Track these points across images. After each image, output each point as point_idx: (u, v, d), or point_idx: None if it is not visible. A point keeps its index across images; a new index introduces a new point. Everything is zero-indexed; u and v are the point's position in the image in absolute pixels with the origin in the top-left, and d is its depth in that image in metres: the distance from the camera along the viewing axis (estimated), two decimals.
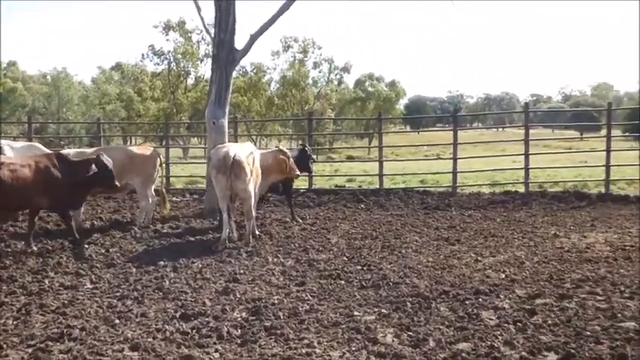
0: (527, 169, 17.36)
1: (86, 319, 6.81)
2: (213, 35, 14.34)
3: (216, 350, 5.96)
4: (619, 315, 6.72)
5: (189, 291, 7.92)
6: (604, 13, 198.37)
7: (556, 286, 7.97)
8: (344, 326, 6.55)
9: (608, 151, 17.18)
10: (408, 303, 7.28)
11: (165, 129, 23.76)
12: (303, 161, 13.27)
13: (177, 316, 6.92)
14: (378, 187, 17.90)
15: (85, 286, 8.21)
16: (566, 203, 15.33)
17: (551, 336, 6.16)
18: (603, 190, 16.79)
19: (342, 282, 8.35)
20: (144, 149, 12.98)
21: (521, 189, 17.18)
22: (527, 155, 17.43)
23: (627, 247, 10.28)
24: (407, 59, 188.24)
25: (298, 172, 12.11)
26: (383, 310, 7.08)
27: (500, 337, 6.13)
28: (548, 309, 7.02)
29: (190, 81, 53.13)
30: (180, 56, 50.44)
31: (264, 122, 46.95)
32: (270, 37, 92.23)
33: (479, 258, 9.72)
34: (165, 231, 11.93)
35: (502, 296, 7.57)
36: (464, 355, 5.66)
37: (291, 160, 12.02)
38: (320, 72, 55.65)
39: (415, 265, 9.24)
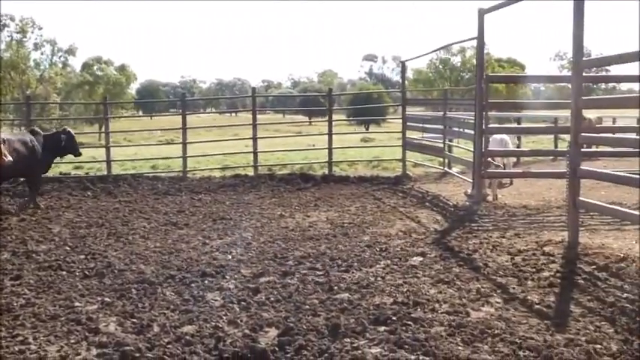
0: (256, 152, 17.84)
1: None
2: None
3: None
4: (335, 287, 7.15)
5: None
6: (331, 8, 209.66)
7: (280, 264, 8.28)
8: (63, 318, 6.26)
9: (331, 134, 18.19)
10: (133, 290, 7.15)
11: None
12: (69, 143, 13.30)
13: None
14: (106, 173, 17.34)
15: None
16: (292, 185, 15.97)
17: (273, 312, 6.38)
18: (327, 172, 17.77)
19: (64, 273, 7.97)
20: None
21: (251, 172, 17.63)
22: (255, 139, 17.91)
23: (345, 224, 10.98)
24: (138, 44, 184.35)
25: (10, 158, 11.29)
26: (106, 299, 6.87)
27: (224, 317, 6.23)
28: (271, 286, 7.27)
29: None
30: None
31: None
32: None
33: (207, 241, 9.80)
34: None
35: (228, 277, 7.71)
36: (188, 337, 5.67)
37: (2, 145, 11.18)
38: (42, 54, 52.65)
39: (142, 251, 9.10)
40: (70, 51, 54.19)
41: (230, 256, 8.75)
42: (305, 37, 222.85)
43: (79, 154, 14.11)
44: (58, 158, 14.01)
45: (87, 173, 18.25)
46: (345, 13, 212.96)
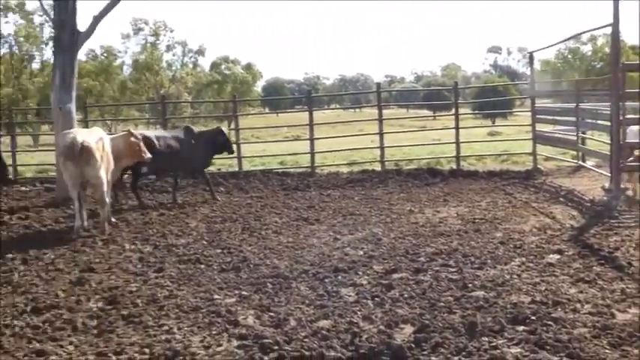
0: (382, 147, 17.82)
1: None
2: (53, 16, 13.74)
3: (71, 343, 5.74)
4: (469, 285, 7.03)
5: (41, 283, 7.62)
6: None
7: (412, 261, 8.23)
8: (204, 310, 6.49)
9: (457, 128, 17.91)
10: (268, 284, 7.31)
11: (10, 116, 22.55)
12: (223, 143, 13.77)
13: (28, 309, 6.62)
14: (237, 169, 17.83)
15: None
16: (420, 180, 15.85)
17: (408, 309, 6.35)
18: (455, 167, 17.52)
19: (202, 266, 8.27)
20: None
21: (378, 167, 17.63)
22: (381, 134, 17.90)
23: (477, 220, 10.77)
24: (263, 42, 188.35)
25: (149, 155, 11.80)
26: (244, 293, 7.07)
27: (359, 313, 6.27)
28: (404, 283, 7.24)
29: (36, 65, 50.61)
30: (22, 39, 47.85)
31: (117, 107, 45.48)
32: (119, 19, 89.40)
33: (338, 236, 9.88)
34: (13, 222, 11.33)
35: (360, 272, 7.74)
36: (324, 332, 5.74)
37: (142, 142, 11.71)
38: (174, 55, 54.74)
39: (275, 245, 9.30)
40: (200, 51, 56.15)
41: (361, 252, 8.78)
42: (427, 31, 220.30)
43: (233, 152, 14.77)
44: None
45: (219, 170, 18.78)
46: (467, 3, 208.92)
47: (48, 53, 48.91)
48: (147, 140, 12.45)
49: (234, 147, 16.53)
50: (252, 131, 33.83)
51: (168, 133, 13.90)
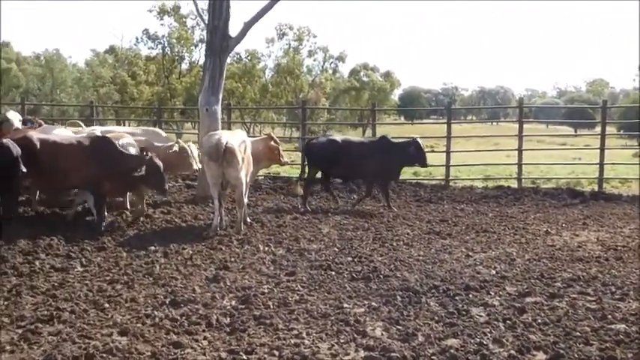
0: (520, 164, 17.36)
1: (76, 302, 6.84)
2: (206, 21, 14.30)
3: (205, 338, 5.97)
4: (609, 316, 6.73)
5: (180, 277, 7.95)
6: (601, 8, 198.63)
7: (547, 285, 7.98)
8: (333, 318, 6.56)
9: (602, 149, 17.18)
10: (398, 296, 7.29)
11: (159, 113, 23.61)
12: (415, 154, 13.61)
13: (167, 302, 6.94)
14: None
15: (76, 269, 8.22)
16: (558, 200, 15.32)
17: (541, 335, 6.16)
18: (596, 189, 16.80)
19: (333, 273, 8.35)
20: None
21: (514, 184, 17.17)
22: (520, 150, 17.44)
23: (619, 247, 10.29)
24: (402, 50, 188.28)
25: (287, 160, 12.06)
26: (373, 303, 7.08)
27: (489, 335, 6.14)
28: (538, 307, 7.03)
29: (184, 66, 52.75)
30: (174, 41, 50.07)
31: (258, 109, 46.68)
32: (265, 24, 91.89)
33: (470, 253, 9.73)
34: (156, 216, 11.89)
35: (492, 293, 7.58)
36: (452, 351, 5.67)
37: (281, 146, 11.98)
38: (315, 60, 55.35)
39: (406, 258, 9.25)
40: (341, 58, 56.54)
41: (494, 272, 8.59)
42: (573, 43, 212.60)
43: (427, 165, 14.31)
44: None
45: None
46: (618, 14, 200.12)
47: (197, 55, 51.03)
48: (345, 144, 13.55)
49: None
50: None
51: (365, 140, 14.22)
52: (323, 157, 13.70)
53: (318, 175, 14.01)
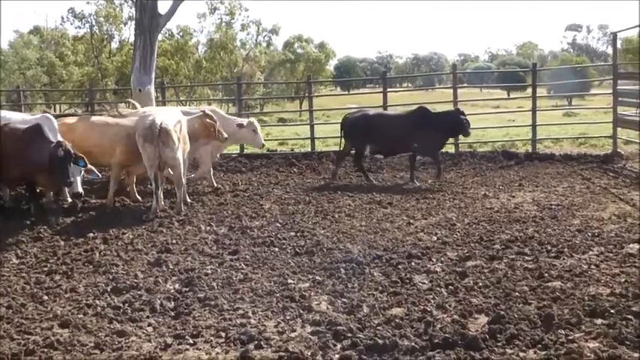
0: None
1: (12, 297, 6.64)
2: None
3: (150, 324, 5.88)
4: (546, 275, 6.90)
5: (121, 263, 7.81)
6: None
7: (486, 248, 8.14)
8: (278, 295, 6.55)
9: (534, 110, 17.49)
10: (341, 269, 7.30)
11: (90, 95, 23.01)
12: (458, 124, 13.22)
13: (109, 289, 6.82)
14: (310, 150, 17.88)
15: (11, 262, 8.00)
16: (495, 163, 15.60)
17: (482, 298, 6.28)
18: (530, 150, 17.14)
19: (276, 249, 8.32)
20: None
21: (451, 149, 17.37)
22: None
23: (554, 206, 10.55)
24: (335, 20, 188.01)
25: (226, 135, 11.85)
26: (317, 277, 7.10)
27: (432, 301, 6.23)
28: (478, 271, 7.16)
29: (115, 45, 51.61)
30: (102, 19, 48.84)
31: (192, 87, 46.03)
32: None
33: (411, 221, 9.83)
34: (93, 201, 11.65)
35: (434, 259, 7.69)
36: (397, 320, 5.72)
37: (218, 122, 11.76)
38: (248, 34, 54.77)
39: (348, 229, 9.29)
40: (274, 30, 56.07)
41: (435, 238, 8.72)
42: (503, 7, 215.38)
43: (468, 134, 13.77)
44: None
45: (292, 150, 18.89)
46: None
47: (127, 33, 49.92)
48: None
49: (307, 127, 16.52)
50: (323, 111, 33.66)
51: (403, 113, 14.16)
52: (358, 132, 13.59)
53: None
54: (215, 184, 12.74)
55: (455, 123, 13.22)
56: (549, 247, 8.03)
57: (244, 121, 12.89)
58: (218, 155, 13.80)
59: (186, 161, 11.32)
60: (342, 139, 14.21)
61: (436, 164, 13.80)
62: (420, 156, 13.87)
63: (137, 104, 13.12)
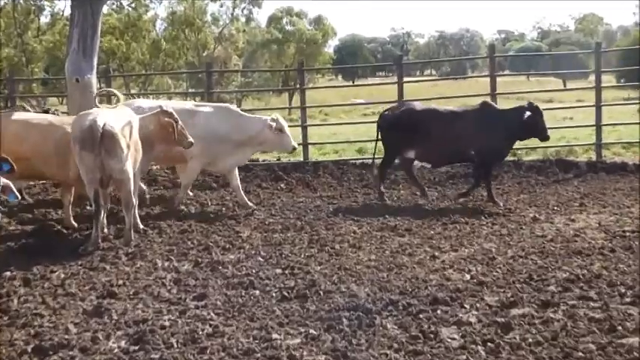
0: None
1: None
2: None
3: None
4: (619, 327, 6.81)
5: (47, 313, 7.68)
6: None
7: (537, 290, 8.06)
8: (259, 355, 6.44)
9: (599, 106, 17.48)
10: (344, 319, 7.20)
11: (11, 86, 22.82)
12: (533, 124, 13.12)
13: (29, 349, 6.68)
14: (302, 159, 17.83)
15: None
16: (547, 176, 15.64)
17: (533, 359, 6.18)
18: (594, 157, 17.12)
19: (257, 292, 8.22)
20: None
21: None
22: None
23: (627, 234, 10.51)
24: None
25: (191, 140, 11.72)
26: (311, 331, 6.99)
27: None
28: (527, 322, 7.07)
29: (45, 19, 51.66)
30: None
31: (148, 75, 46.13)
32: None
33: (436, 253, 9.79)
34: (12, 228, 11.57)
35: (467, 306, 7.60)
36: None
37: (180, 123, 11.62)
38: (222, 7, 55.01)
39: (353, 265, 9.23)
40: (255, 2, 56.42)
41: (468, 276, 8.67)
42: None
43: (547, 138, 13.65)
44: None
45: (278, 159, 18.83)
46: None
47: (61, 4, 50.03)
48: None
49: (298, 130, 16.48)
50: (320, 108, 33.72)
51: (459, 109, 14.14)
52: (398, 132, 13.49)
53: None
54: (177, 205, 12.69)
55: (529, 123, 13.06)
56: (622, 290, 7.94)
57: (267, 118, 12.79)
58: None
59: (138, 175, 11.23)
60: (379, 143, 14.18)
61: (475, 177, 13.65)
62: (479, 166, 13.47)
63: (119, 94, 12.87)
